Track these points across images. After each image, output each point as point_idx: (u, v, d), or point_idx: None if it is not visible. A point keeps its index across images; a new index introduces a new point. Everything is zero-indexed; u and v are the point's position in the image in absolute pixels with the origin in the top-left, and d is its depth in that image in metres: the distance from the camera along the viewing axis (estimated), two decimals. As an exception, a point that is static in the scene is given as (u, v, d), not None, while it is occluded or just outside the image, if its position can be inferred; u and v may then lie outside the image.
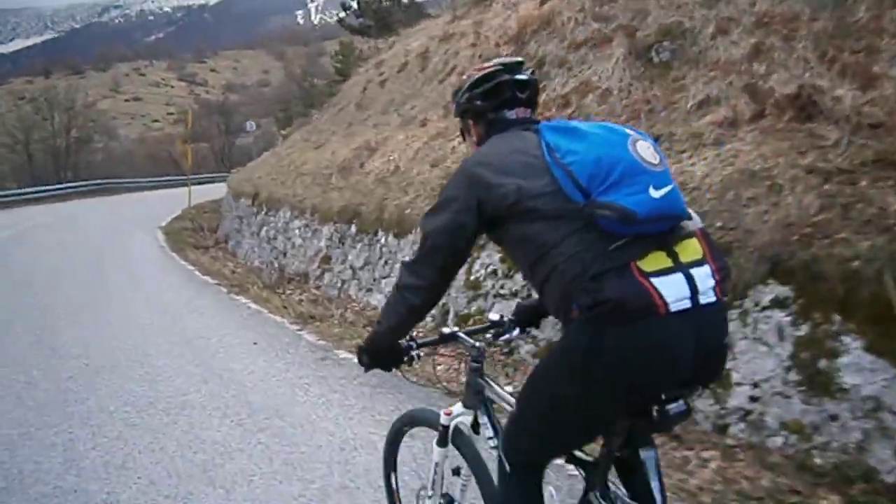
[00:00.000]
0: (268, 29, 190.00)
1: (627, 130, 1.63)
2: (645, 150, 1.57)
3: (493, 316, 2.19)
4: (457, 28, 10.94)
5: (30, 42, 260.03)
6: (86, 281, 8.36)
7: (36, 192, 25.48)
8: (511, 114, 1.81)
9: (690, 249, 1.56)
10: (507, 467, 1.74)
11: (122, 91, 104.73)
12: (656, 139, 1.91)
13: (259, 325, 5.96)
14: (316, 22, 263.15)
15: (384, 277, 6.46)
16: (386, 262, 6.41)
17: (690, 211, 1.61)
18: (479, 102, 1.84)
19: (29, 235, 13.82)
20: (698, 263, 1.54)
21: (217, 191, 22.26)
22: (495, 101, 1.82)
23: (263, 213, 9.88)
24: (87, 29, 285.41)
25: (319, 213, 8.17)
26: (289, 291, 7.40)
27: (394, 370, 1.99)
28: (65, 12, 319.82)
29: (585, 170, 1.53)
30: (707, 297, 1.52)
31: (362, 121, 10.97)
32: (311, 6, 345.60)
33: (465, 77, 1.94)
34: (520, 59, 1.93)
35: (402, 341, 1.94)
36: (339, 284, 7.18)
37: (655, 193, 1.50)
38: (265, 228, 9.51)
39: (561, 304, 1.58)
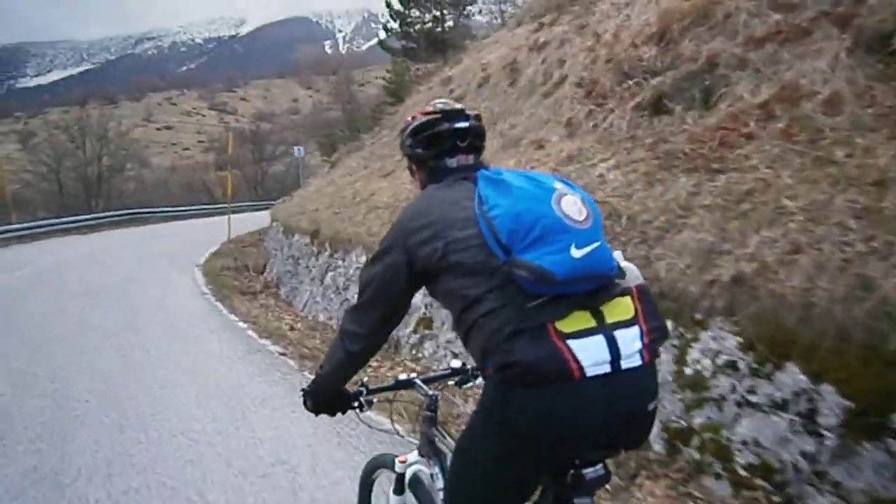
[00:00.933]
0: (296, 58, 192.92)
1: (555, 184, 1.58)
2: (570, 205, 1.52)
3: (455, 363, 2.15)
4: (549, 35, 9.27)
5: (66, 73, 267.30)
6: (114, 346, 6.62)
7: (64, 223, 24.12)
8: (452, 161, 1.79)
9: (619, 309, 1.52)
10: None
11: (154, 120, 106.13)
12: None
13: (367, 436, 3.65)
14: (343, 51, 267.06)
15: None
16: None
17: (629, 266, 1.59)
18: (419, 150, 1.82)
19: (52, 274, 12.15)
20: (626, 324, 1.50)
21: (255, 221, 20.80)
22: (436, 149, 1.80)
23: (327, 254, 8.15)
24: (122, 60, 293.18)
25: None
26: (376, 363, 5.61)
27: (356, 415, 1.97)
28: (100, 44, 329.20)
29: (506, 225, 1.49)
30: (631, 361, 1.47)
31: (440, 144, 9.32)
32: (339, 36, 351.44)
33: (408, 119, 1.92)
34: (460, 106, 1.89)
35: (352, 387, 1.92)
36: (446, 356, 5.38)
37: (577, 253, 1.46)
38: (331, 274, 7.78)
39: (480, 361, 1.56)
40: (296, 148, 19.01)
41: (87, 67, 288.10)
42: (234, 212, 34.58)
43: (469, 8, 28.28)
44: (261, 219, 23.80)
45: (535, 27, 10.45)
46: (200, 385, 5.18)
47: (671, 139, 5.13)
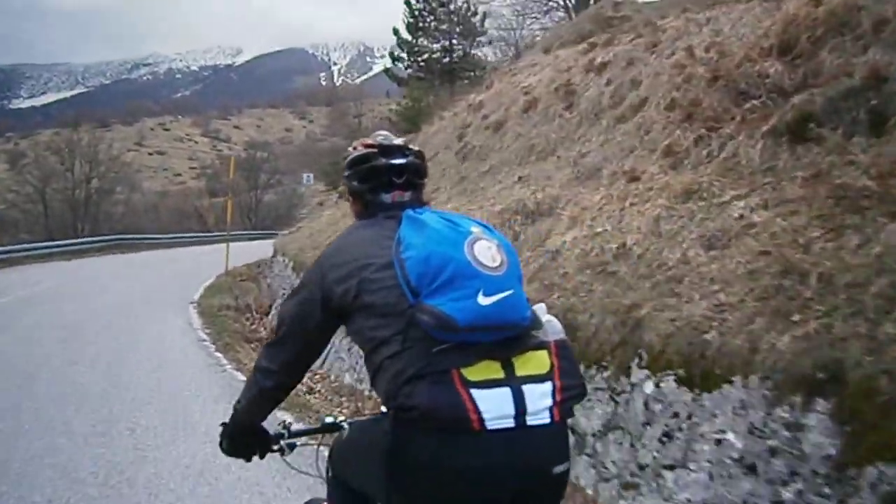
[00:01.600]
0: (291, 89, 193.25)
1: (472, 228, 1.54)
2: (484, 250, 1.48)
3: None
4: (607, 55, 8.19)
5: (60, 96, 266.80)
6: (93, 415, 5.24)
7: (47, 247, 22.31)
8: (387, 197, 1.74)
9: (533, 363, 1.46)
10: None
11: (147, 145, 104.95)
12: None
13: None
14: (338, 83, 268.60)
15: (655, 467, 3.37)
16: (669, 438, 3.33)
17: (551, 320, 1.56)
18: (355, 183, 1.78)
19: (26, 310, 10.53)
20: (537, 379, 1.44)
21: (251, 251, 19.44)
22: (371, 183, 1.75)
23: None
24: (116, 85, 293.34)
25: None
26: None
27: (280, 458, 1.85)
28: (95, 68, 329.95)
29: (416, 268, 1.45)
30: (538, 419, 1.41)
31: (483, 173, 8.12)
32: (335, 68, 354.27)
33: (350, 149, 1.86)
34: (399, 142, 1.82)
35: (272, 428, 1.85)
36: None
37: (484, 300, 1.41)
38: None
39: (384, 403, 1.53)
40: (305, 175, 17.47)
41: (81, 91, 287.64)
42: (221, 241, 33.22)
43: (479, 39, 27.54)
44: (257, 249, 22.38)
45: (585, 48, 9.37)
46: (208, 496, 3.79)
47: (838, 173, 3.94)
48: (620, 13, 14.11)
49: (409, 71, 27.72)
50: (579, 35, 13.59)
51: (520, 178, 6.89)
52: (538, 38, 22.01)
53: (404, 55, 27.56)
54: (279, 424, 1.86)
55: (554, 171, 6.56)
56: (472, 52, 26.93)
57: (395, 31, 27.68)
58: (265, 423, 1.84)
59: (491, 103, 10.58)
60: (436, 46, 27.43)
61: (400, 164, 1.74)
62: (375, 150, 1.76)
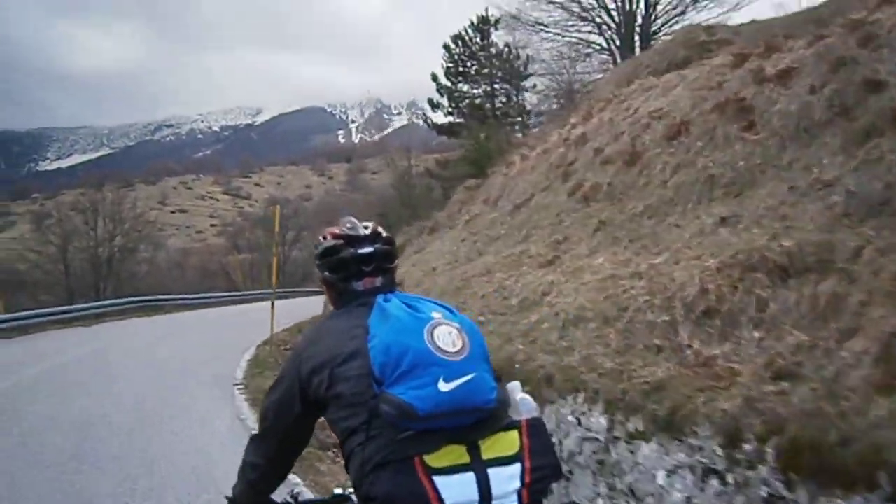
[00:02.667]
0: (310, 147, 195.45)
1: (433, 313, 1.54)
2: (444, 336, 1.48)
3: None
4: (782, 62, 6.31)
5: (86, 157, 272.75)
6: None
7: (65, 312, 19.87)
8: (359, 285, 1.75)
9: (500, 445, 1.44)
10: None
11: (169, 203, 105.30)
12: None
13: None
14: (356, 141, 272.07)
15: None
16: None
17: (525, 399, 1.56)
18: (327, 273, 1.79)
19: (30, 399, 8.20)
20: (504, 462, 1.42)
21: (288, 312, 17.48)
22: (341, 273, 1.76)
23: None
24: (140, 146, 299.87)
25: (693, 420, 3.17)
26: None
27: None
28: (119, 130, 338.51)
29: (378, 357, 1.47)
30: (505, 502, 1.38)
31: (636, 216, 6.16)
32: (352, 126, 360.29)
33: (319, 238, 1.87)
34: (366, 231, 1.80)
35: (281, 496, 1.84)
36: None
37: (445, 387, 1.40)
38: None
39: (354, 491, 1.56)
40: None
41: (106, 152, 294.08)
42: (252, 300, 31.29)
43: (522, 83, 26.09)
44: (294, 308, 20.42)
45: (732, 60, 7.50)
46: None
47: None
48: (716, 36, 12.42)
49: (451, 118, 26.27)
50: (670, 61, 11.91)
51: (722, 219, 4.87)
52: (600, 78, 20.38)
53: (444, 101, 26.16)
54: (288, 493, 1.83)
55: (782, 205, 4.54)
56: (518, 96, 25.37)
57: (434, 77, 26.43)
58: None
59: (599, 135, 8.71)
60: (477, 91, 26.04)
61: (368, 253, 1.74)
62: (342, 240, 1.76)
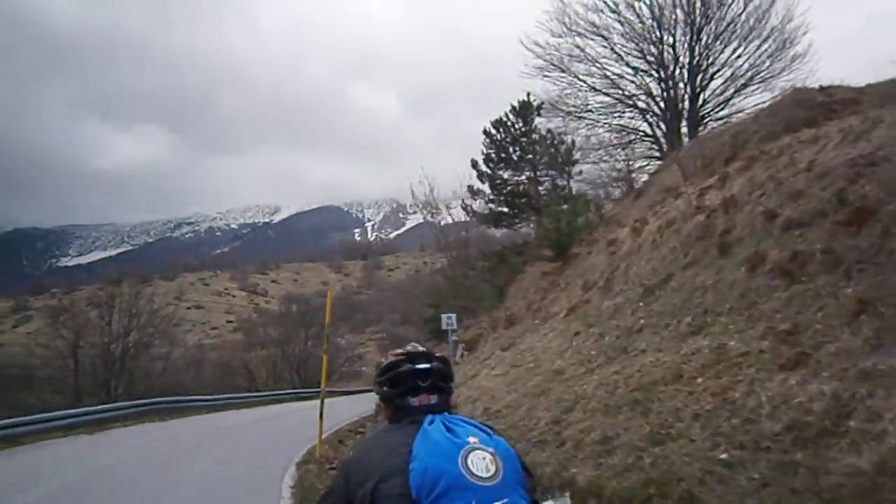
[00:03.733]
0: (327, 244, 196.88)
1: (470, 438, 1.61)
2: (479, 461, 1.55)
3: None
4: None
5: (106, 254, 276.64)
6: None
7: (66, 417, 16.91)
8: (414, 401, 1.81)
9: None
10: None
11: (186, 299, 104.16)
12: None
13: None
14: (372, 239, 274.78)
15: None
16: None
17: None
18: (385, 389, 1.87)
19: None
20: None
21: (318, 414, 15.12)
22: (399, 388, 1.83)
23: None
24: (160, 243, 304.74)
25: None
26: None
27: None
28: (140, 227, 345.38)
29: (416, 479, 1.53)
30: None
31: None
32: (368, 225, 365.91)
33: (381, 359, 1.97)
34: (422, 349, 1.92)
35: None
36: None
37: None
38: None
39: None
40: (444, 316, 12.18)
41: (126, 248, 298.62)
42: (275, 401, 28.70)
43: (569, 168, 24.82)
44: (328, 410, 17.84)
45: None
46: None
47: None
48: (836, 97, 10.92)
49: (491, 206, 24.87)
50: (787, 124, 10.37)
51: None
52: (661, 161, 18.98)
53: (485, 188, 24.86)
54: None
55: None
56: (569, 181, 24.00)
57: (474, 164, 25.29)
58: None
59: (761, 197, 6.89)
60: (522, 177, 24.78)
61: (425, 369, 1.83)
62: (403, 356, 1.87)
